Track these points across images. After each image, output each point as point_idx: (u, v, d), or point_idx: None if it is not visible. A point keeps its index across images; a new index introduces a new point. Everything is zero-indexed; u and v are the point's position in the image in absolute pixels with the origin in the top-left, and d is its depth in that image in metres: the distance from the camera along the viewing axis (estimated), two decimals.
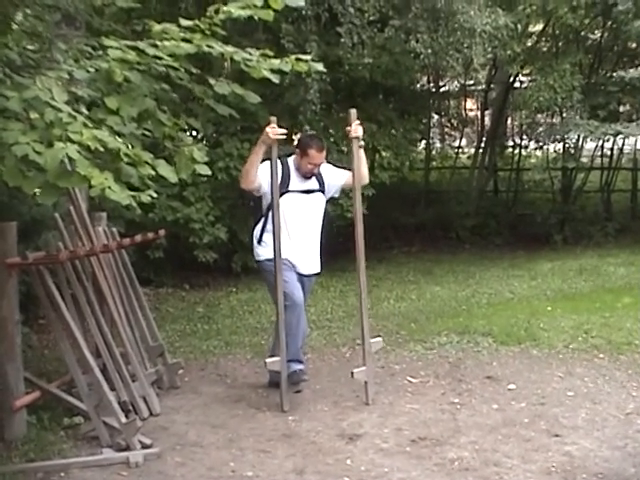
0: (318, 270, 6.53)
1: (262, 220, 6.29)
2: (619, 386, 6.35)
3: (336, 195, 6.78)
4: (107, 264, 6.23)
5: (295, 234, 6.23)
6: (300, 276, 6.31)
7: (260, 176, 6.11)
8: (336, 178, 6.50)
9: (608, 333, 7.79)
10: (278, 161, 6.07)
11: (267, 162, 6.05)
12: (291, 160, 6.33)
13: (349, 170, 6.35)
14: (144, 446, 5.24)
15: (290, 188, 6.22)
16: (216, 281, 11.47)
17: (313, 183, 6.33)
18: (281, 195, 6.07)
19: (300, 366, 6.24)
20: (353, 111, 6.17)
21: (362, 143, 6.28)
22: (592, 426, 5.50)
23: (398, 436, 5.42)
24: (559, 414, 5.75)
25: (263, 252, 6.27)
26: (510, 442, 5.25)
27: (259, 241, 6.32)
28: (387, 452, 5.15)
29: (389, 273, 12.03)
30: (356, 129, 6.12)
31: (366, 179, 6.57)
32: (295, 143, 6.40)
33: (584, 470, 4.76)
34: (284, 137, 6.13)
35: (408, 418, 5.77)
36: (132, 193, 4.20)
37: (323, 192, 6.41)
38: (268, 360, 6.12)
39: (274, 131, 5.94)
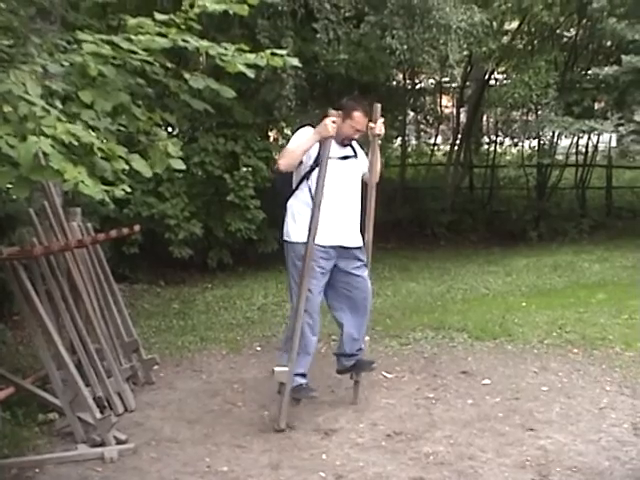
0: (360, 244, 5.89)
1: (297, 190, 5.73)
2: (593, 381, 6.39)
3: None
4: (82, 260, 6.19)
5: (335, 203, 5.63)
6: (342, 249, 5.78)
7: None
8: (364, 159, 5.96)
9: (582, 328, 7.83)
10: (311, 128, 5.63)
11: (307, 128, 5.67)
12: None
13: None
14: (119, 442, 5.22)
15: (329, 155, 5.58)
16: (191, 277, 11.46)
17: (349, 150, 5.80)
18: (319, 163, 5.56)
19: (304, 380, 5.66)
20: (378, 106, 5.83)
21: (379, 142, 5.99)
22: (566, 420, 5.54)
23: (373, 431, 5.43)
24: (533, 408, 5.78)
25: (296, 232, 5.64)
26: (485, 436, 5.27)
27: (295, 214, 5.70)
28: (362, 447, 5.16)
29: None
30: (381, 127, 5.82)
31: (378, 178, 6.01)
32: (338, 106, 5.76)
33: (558, 464, 4.79)
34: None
35: (383, 413, 5.78)
36: (106, 188, 4.17)
37: (357, 158, 5.88)
38: (277, 369, 5.54)
39: (334, 126, 5.43)
